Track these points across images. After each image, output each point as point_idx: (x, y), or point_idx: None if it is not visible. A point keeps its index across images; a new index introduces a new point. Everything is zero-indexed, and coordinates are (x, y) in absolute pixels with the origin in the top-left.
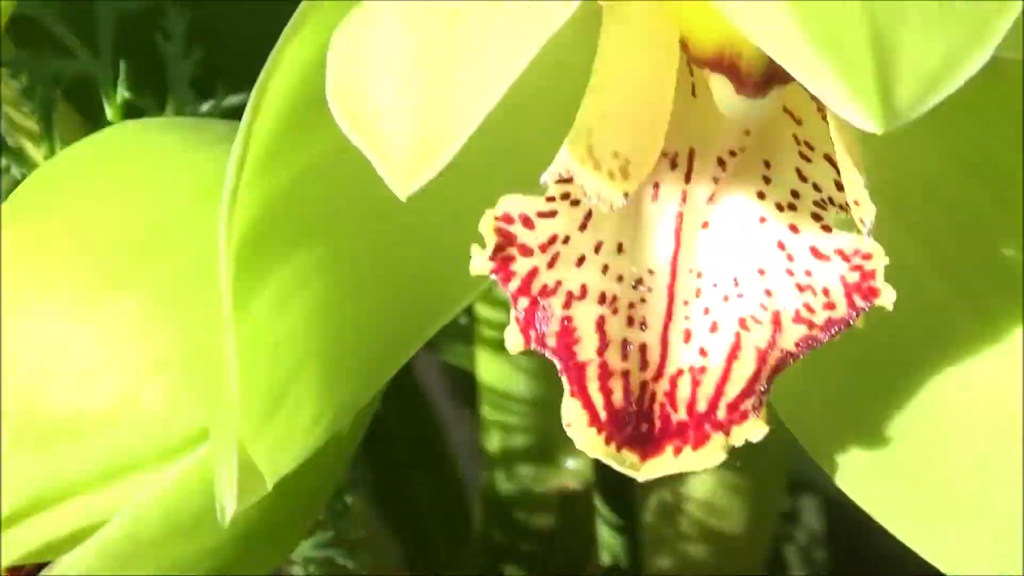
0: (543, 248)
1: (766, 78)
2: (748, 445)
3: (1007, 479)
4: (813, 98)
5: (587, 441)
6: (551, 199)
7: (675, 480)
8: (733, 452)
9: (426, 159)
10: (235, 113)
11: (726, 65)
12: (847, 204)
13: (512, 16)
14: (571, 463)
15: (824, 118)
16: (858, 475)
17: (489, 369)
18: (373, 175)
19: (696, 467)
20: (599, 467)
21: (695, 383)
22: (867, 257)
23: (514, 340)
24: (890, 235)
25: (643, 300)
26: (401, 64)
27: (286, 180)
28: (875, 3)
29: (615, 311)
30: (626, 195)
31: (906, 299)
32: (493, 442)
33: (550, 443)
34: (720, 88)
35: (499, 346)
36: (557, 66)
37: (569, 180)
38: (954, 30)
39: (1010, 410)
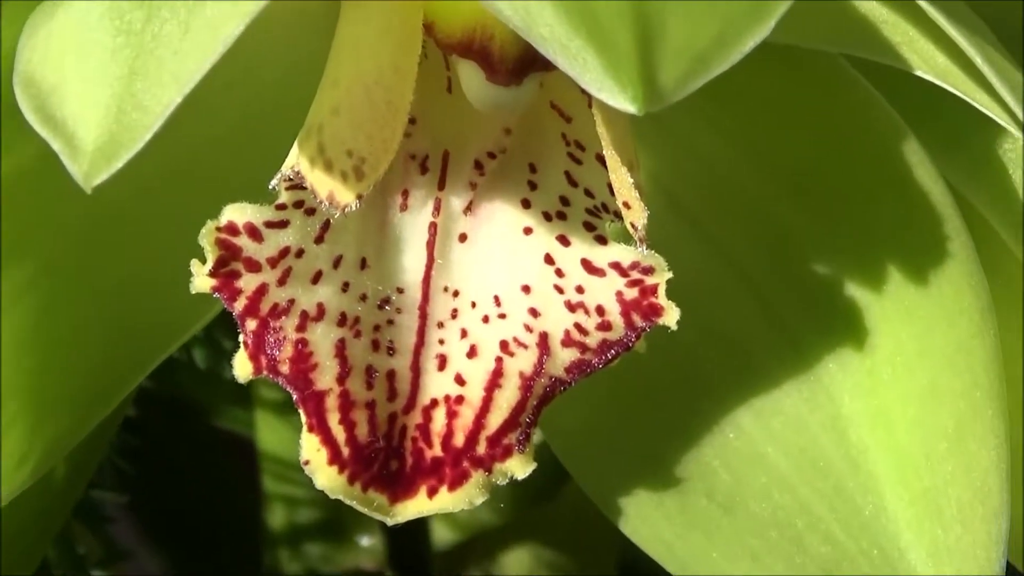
0: (273, 262)
1: (521, 64)
2: (573, 515)
3: (817, 521)
4: (584, 92)
5: (328, 481)
6: (282, 207)
7: (484, 557)
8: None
9: (113, 151)
10: None
11: (476, 49)
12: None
13: (210, 8)
14: (366, 540)
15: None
16: (643, 520)
17: (270, 436)
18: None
19: (453, 508)
20: (395, 544)
21: (451, 415)
22: (648, 271)
23: (242, 367)
24: (681, 247)
25: (391, 322)
26: (92, 54)
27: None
28: None
29: (358, 334)
30: (360, 197)
31: (696, 315)
32: (276, 517)
33: (341, 518)
34: (469, 76)
35: (281, 408)
36: (299, 67)
37: (301, 185)
38: (730, 3)
39: (813, 444)
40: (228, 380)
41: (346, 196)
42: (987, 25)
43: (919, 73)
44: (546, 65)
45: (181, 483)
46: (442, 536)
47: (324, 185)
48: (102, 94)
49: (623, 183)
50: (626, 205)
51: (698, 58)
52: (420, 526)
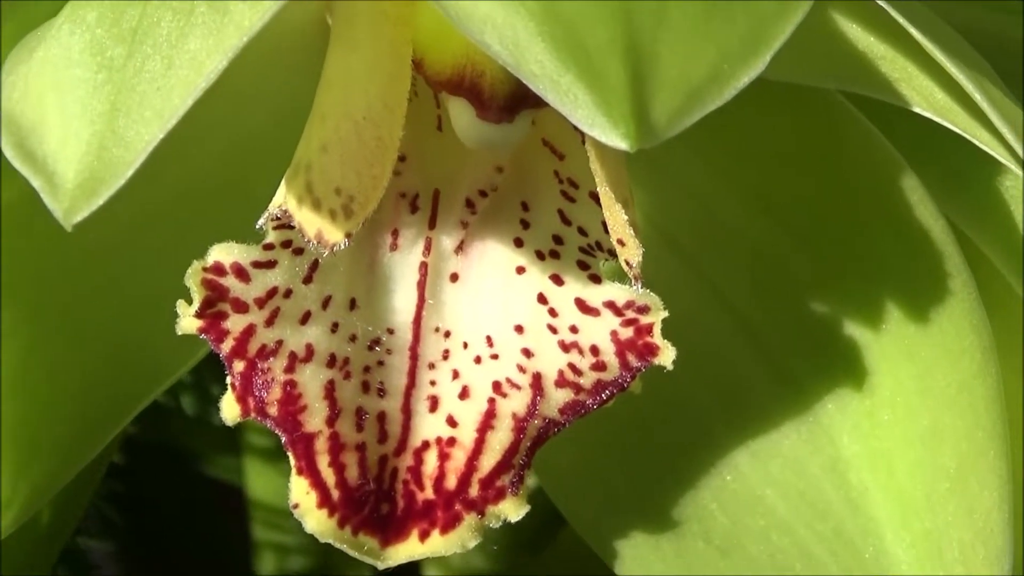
0: (260, 303)
1: (512, 101)
2: (568, 562)
3: (816, 564)
4: (577, 129)
5: (318, 525)
6: (269, 247)
7: None
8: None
9: (93, 188)
10: None
11: (467, 86)
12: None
13: (192, 44)
14: None
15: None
16: (640, 563)
17: (260, 482)
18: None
19: (445, 552)
20: None
21: (443, 457)
22: (643, 310)
23: (230, 409)
24: (677, 287)
25: (381, 363)
26: (73, 90)
27: None
28: (631, 4)
29: (348, 375)
30: (349, 236)
31: (693, 356)
32: (266, 565)
33: (332, 565)
34: (459, 113)
35: (271, 455)
36: (287, 105)
37: (289, 224)
38: (724, 36)
39: (812, 486)
40: (217, 427)
41: (335, 235)
42: (990, 41)
43: (918, 110)
44: (538, 102)
45: (170, 531)
46: None
47: (312, 224)
48: (83, 131)
49: (617, 220)
50: (620, 243)
51: (691, 94)
52: (412, 572)
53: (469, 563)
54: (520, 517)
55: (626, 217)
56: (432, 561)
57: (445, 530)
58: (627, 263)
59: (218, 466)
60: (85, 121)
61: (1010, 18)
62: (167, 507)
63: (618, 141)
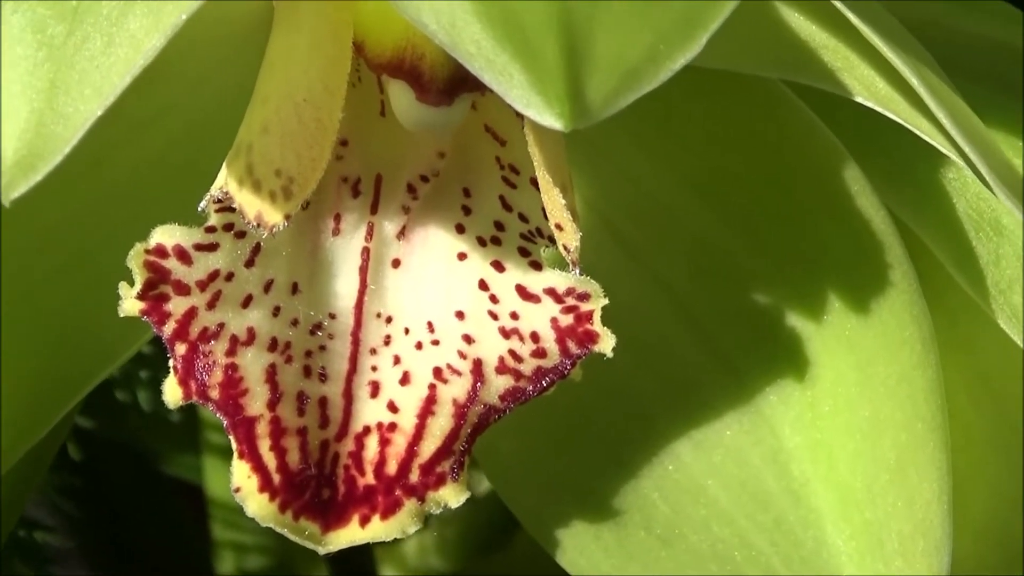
0: (202, 286)
1: (452, 83)
2: (525, 564)
3: (757, 554)
4: (518, 114)
5: (259, 509)
6: (211, 229)
7: None
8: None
9: (31, 163)
10: None
11: (407, 69)
12: None
13: (133, 22)
14: None
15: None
16: (581, 552)
17: (219, 481)
18: (17, 205)
19: (386, 537)
20: None
21: (384, 442)
22: (583, 297)
23: (172, 392)
24: (618, 275)
25: (323, 348)
26: (14, 67)
27: None
28: None
29: (289, 360)
30: (288, 217)
31: (633, 345)
32: (226, 564)
33: (291, 565)
34: (399, 96)
35: (230, 453)
36: (233, 89)
37: (230, 207)
38: (661, 18)
39: (753, 477)
40: (175, 424)
41: (274, 216)
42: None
43: (859, 99)
44: (478, 85)
45: (129, 528)
46: None
47: (252, 205)
48: (22, 107)
49: (555, 204)
50: (558, 227)
51: (627, 74)
52: (370, 573)
53: (426, 563)
54: (460, 503)
55: (564, 202)
56: (389, 561)
57: (385, 515)
58: (565, 248)
59: (177, 464)
60: (24, 98)
61: (1010, 26)
62: (125, 504)
63: (552, 121)
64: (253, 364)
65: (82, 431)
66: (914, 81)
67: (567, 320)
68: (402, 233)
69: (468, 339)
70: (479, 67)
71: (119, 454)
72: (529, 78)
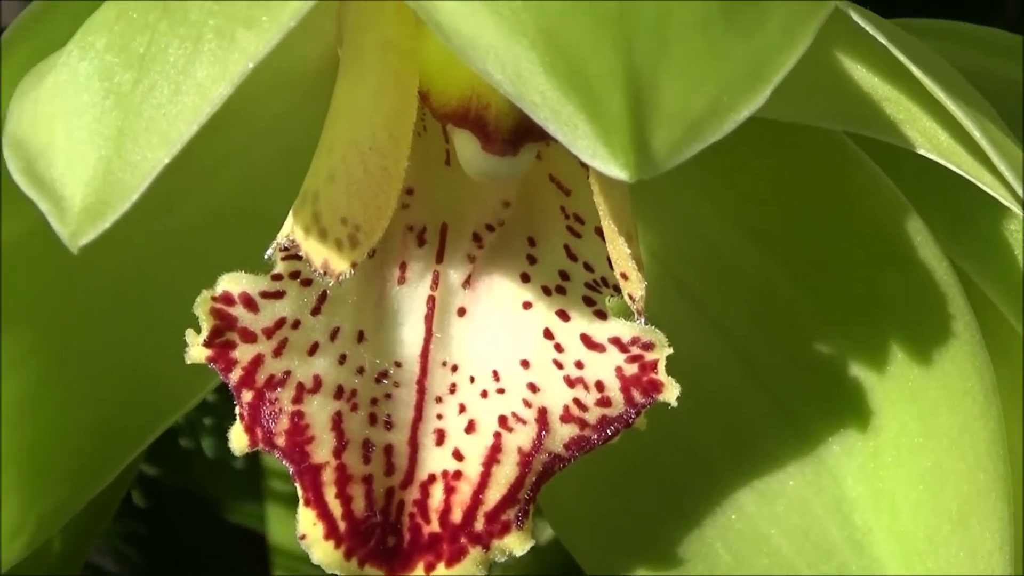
0: (268, 333)
1: (517, 133)
2: None
3: None
4: (583, 163)
5: (324, 556)
6: (278, 277)
7: None
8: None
9: (99, 211)
10: None
11: (472, 119)
12: None
13: (200, 70)
14: None
15: None
16: None
17: (281, 529)
18: (82, 253)
19: None
20: None
21: (449, 490)
22: (648, 347)
23: (238, 439)
24: (682, 325)
25: (388, 396)
26: (81, 115)
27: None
28: (633, 36)
29: (355, 407)
30: (354, 266)
31: (698, 395)
32: None
33: None
34: (464, 145)
35: (293, 501)
36: (297, 138)
37: (297, 255)
38: (724, 70)
39: (816, 526)
40: (239, 471)
41: (341, 265)
42: (992, 84)
43: (922, 151)
44: (542, 135)
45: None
46: None
47: (319, 253)
48: (90, 155)
49: (620, 254)
50: (624, 276)
51: (692, 126)
52: None
53: None
54: (525, 551)
55: (629, 251)
56: None
57: (451, 563)
58: (630, 297)
59: (240, 512)
60: (92, 145)
61: (1010, 62)
62: (189, 551)
63: (617, 172)
64: (319, 412)
65: (147, 478)
66: (976, 133)
67: (632, 369)
68: (467, 282)
69: (533, 388)
70: (544, 117)
71: (183, 501)
72: (595, 129)
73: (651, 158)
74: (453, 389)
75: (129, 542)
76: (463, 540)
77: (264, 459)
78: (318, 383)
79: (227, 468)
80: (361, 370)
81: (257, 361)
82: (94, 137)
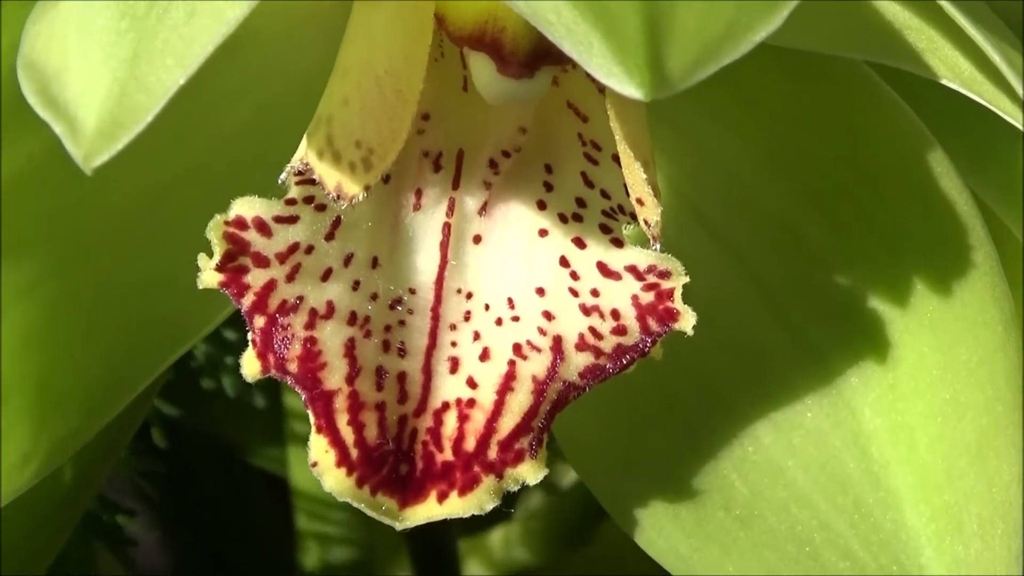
0: (281, 258)
1: (533, 56)
2: (611, 556)
3: (836, 536)
4: (600, 90)
5: (336, 483)
6: (292, 202)
7: None
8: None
9: (113, 132)
10: None
11: (488, 42)
12: None
13: None
14: None
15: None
16: (659, 532)
17: (304, 472)
18: (98, 177)
19: (463, 513)
20: None
21: (463, 418)
22: (664, 275)
23: (250, 365)
24: (701, 256)
25: (402, 323)
26: (96, 38)
27: (5, 176)
28: None
29: (368, 334)
30: (367, 188)
31: (716, 326)
32: (310, 556)
33: (375, 557)
34: (480, 69)
35: None
36: (313, 65)
37: (311, 180)
38: None
39: (833, 459)
40: (260, 412)
41: (353, 187)
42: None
43: (944, 81)
44: (559, 58)
45: (212, 517)
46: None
47: (332, 176)
48: (105, 77)
49: (636, 179)
50: (639, 202)
51: (708, 46)
52: (454, 565)
53: (511, 556)
54: (538, 480)
55: (645, 176)
56: (473, 553)
57: (463, 492)
58: (646, 222)
59: (262, 456)
60: (107, 68)
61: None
62: (209, 492)
63: (633, 91)
64: (332, 338)
65: (167, 418)
66: (996, 58)
67: (648, 297)
68: (483, 209)
69: (548, 316)
70: (559, 36)
71: (203, 443)
72: (610, 47)
73: (666, 77)
74: (468, 317)
75: (148, 480)
76: (476, 469)
77: (286, 401)
78: (331, 309)
79: (249, 410)
80: (375, 296)
81: (270, 286)
82: (109, 59)
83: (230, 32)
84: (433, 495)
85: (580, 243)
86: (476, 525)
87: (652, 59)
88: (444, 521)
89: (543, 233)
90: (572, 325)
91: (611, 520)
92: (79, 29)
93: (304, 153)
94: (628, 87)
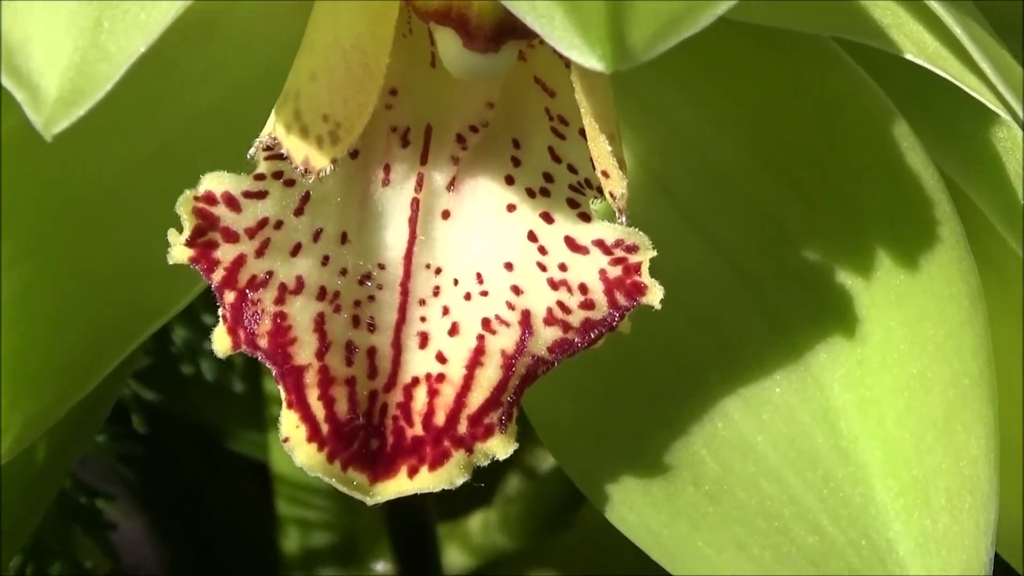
0: (251, 233)
1: (499, 30)
2: (590, 541)
3: (805, 511)
4: (567, 64)
5: (307, 459)
6: (260, 177)
7: None
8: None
9: (74, 99)
10: None
11: (454, 16)
12: None
13: None
14: (380, 566)
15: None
16: (630, 507)
17: (285, 457)
18: (72, 155)
19: (433, 488)
20: (409, 569)
21: (432, 393)
22: (632, 249)
23: (221, 341)
24: (668, 231)
25: (372, 298)
26: (59, 8)
27: None
28: None
29: (338, 309)
30: (335, 162)
31: (685, 302)
32: (290, 541)
33: (356, 543)
34: (447, 43)
35: None
36: (286, 44)
37: (279, 155)
38: None
39: (802, 434)
40: (240, 398)
41: (321, 161)
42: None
43: (909, 56)
44: (524, 33)
45: (193, 502)
46: (456, 561)
47: (299, 150)
48: (67, 45)
49: (602, 152)
50: (605, 174)
51: (669, 18)
52: (434, 550)
53: (491, 540)
54: (508, 455)
55: (610, 148)
56: (453, 537)
57: (433, 466)
58: (611, 195)
59: (242, 441)
60: (69, 36)
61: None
62: (189, 477)
63: (595, 63)
64: (302, 313)
65: (145, 403)
66: (958, 31)
67: (615, 272)
68: (452, 184)
69: (516, 290)
70: (522, 11)
71: (183, 428)
72: (571, 20)
73: (628, 50)
74: (436, 292)
75: (128, 465)
76: (446, 443)
77: (265, 386)
78: (300, 284)
79: (228, 395)
80: (344, 272)
81: (239, 261)
82: (70, 28)
83: (191, 1)
84: (404, 470)
85: (548, 218)
86: (456, 510)
87: (613, 32)
88: (424, 506)
89: (511, 208)
90: (540, 299)
91: (589, 505)
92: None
93: (272, 128)
94: (590, 59)
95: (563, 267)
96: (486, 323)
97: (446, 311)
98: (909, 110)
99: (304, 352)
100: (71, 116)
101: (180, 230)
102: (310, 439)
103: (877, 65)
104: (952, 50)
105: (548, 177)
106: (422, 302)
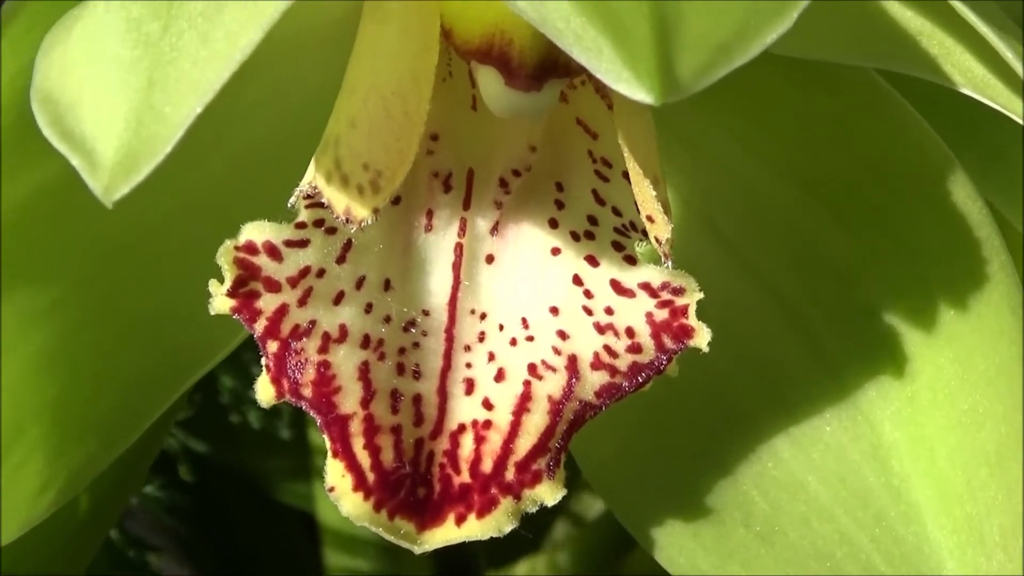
0: (293, 282)
1: (541, 68)
2: None
3: (857, 551)
4: (610, 106)
5: (353, 508)
6: (302, 225)
7: None
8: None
9: (132, 164)
10: None
11: (496, 55)
12: None
13: (228, 17)
14: None
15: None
16: (680, 550)
17: (331, 507)
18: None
19: (482, 535)
20: None
21: (479, 440)
22: (678, 292)
23: (265, 391)
24: (716, 271)
25: (416, 345)
26: (110, 67)
27: (13, 204)
28: None
29: (382, 357)
30: (376, 211)
31: (732, 341)
32: None
33: None
34: (489, 82)
35: None
36: (324, 87)
37: (320, 203)
38: None
39: (853, 473)
40: (287, 447)
41: (362, 211)
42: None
43: (957, 87)
44: (567, 71)
45: (241, 553)
46: None
47: (340, 200)
48: (120, 107)
49: (646, 196)
50: (650, 219)
51: (718, 49)
52: None
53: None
54: (556, 501)
55: (655, 193)
56: None
57: (481, 514)
58: (656, 240)
59: (289, 492)
60: (122, 98)
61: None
62: (237, 528)
63: (644, 95)
64: (346, 361)
65: (193, 453)
66: (1008, 55)
67: (662, 315)
68: (495, 228)
69: (563, 335)
70: (568, 43)
71: (231, 478)
72: (619, 52)
73: (677, 81)
74: (482, 337)
75: (173, 515)
76: (494, 490)
77: (311, 437)
78: (344, 332)
79: (274, 445)
80: (388, 319)
81: (282, 311)
82: (124, 89)
83: (245, 58)
84: (451, 518)
85: (593, 261)
86: (504, 558)
87: (662, 63)
88: (471, 553)
89: (555, 251)
90: (587, 344)
91: (638, 552)
92: (91, 58)
93: (312, 176)
94: (638, 92)
95: (609, 311)
96: (532, 368)
97: (492, 357)
98: (956, 143)
99: (349, 401)
100: (131, 182)
101: (221, 280)
102: (356, 488)
103: (916, 92)
104: (1000, 77)
105: (592, 220)
106: (467, 348)
